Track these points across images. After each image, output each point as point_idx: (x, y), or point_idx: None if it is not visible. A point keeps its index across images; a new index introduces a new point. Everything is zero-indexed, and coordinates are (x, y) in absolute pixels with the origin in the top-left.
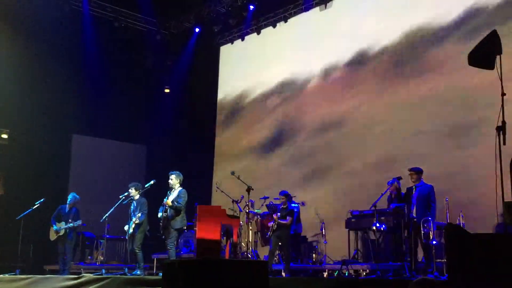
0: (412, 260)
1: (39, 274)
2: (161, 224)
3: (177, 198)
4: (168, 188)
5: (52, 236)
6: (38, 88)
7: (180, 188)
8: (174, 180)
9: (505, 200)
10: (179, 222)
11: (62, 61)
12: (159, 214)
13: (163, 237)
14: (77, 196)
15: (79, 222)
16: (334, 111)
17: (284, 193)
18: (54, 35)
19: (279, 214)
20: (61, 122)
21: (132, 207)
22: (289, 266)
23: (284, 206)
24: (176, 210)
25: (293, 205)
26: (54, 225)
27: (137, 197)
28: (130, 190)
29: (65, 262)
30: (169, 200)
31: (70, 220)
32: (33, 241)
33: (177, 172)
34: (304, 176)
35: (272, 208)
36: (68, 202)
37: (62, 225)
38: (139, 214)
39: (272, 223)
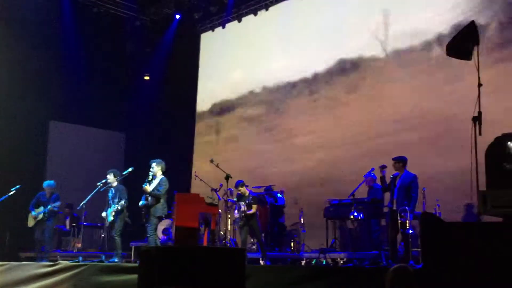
0: (391, 249)
1: (15, 261)
2: (143, 212)
3: (158, 186)
4: (147, 176)
5: (31, 223)
6: (15, 74)
7: (162, 176)
8: (155, 168)
9: (480, 190)
10: (160, 210)
11: (40, 46)
12: (141, 202)
13: (147, 224)
14: (52, 183)
15: (57, 204)
16: (318, 96)
17: (239, 182)
18: (32, 20)
19: (242, 207)
20: (38, 108)
21: (110, 194)
22: (265, 253)
23: (246, 195)
24: (156, 197)
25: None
26: (32, 211)
27: (115, 184)
28: (108, 177)
29: (44, 250)
30: (148, 187)
31: (50, 205)
32: (9, 228)
33: (158, 159)
34: (284, 162)
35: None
36: (45, 188)
37: (41, 209)
38: (122, 202)
39: (236, 213)
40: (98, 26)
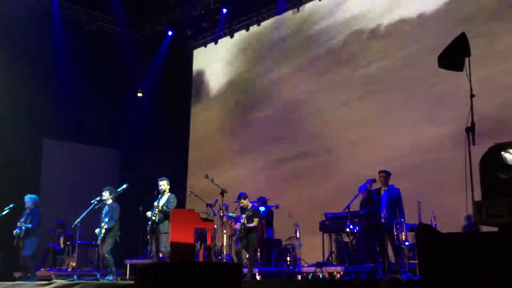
0: (384, 261)
1: (9, 281)
2: (148, 228)
3: (167, 203)
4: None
5: (15, 241)
6: (8, 91)
7: (169, 193)
8: (165, 185)
9: (475, 200)
10: (167, 226)
11: (33, 64)
12: (148, 213)
13: (150, 241)
14: (31, 197)
15: (32, 222)
16: (307, 111)
17: (242, 195)
18: (24, 38)
19: (243, 219)
20: (32, 126)
21: (104, 211)
22: (252, 270)
23: (248, 209)
24: (165, 214)
25: (261, 208)
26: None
27: (109, 201)
28: (103, 193)
29: (30, 270)
30: (160, 204)
31: (28, 221)
32: (2, 247)
33: (164, 177)
34: (278, 178)
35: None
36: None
37: (21, 225)
38: (107, 219)
39: (238, 224)
40: (91, 44)
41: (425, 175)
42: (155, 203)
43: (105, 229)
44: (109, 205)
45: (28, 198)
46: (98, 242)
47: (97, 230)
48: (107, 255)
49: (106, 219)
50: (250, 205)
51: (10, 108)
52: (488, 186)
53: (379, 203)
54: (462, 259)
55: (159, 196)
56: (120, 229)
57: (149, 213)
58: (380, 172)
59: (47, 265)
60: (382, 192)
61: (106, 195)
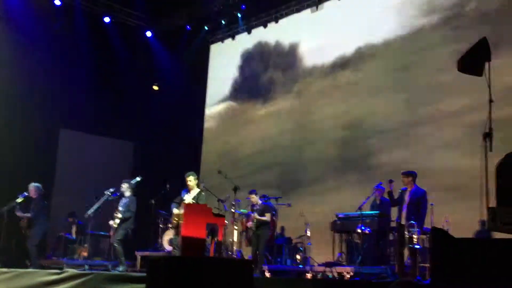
0: (398, 264)
1: (21, 268)
2: (175, 221)
3: (197, 199)
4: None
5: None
6: (26, 82)
7: (198, 190)
8: (193, 181)
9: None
10: None
11: (51, 55)
12: (175, 210)
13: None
14: (36, 185)
15: (28, 215)
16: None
17: (251, 192)
18: (44, 29)
19: (255, 213)
20: (49, 116)
21: (120, 203)
22: (261, 266)
23: (258, 204)
24: None
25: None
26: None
27: (127, 193)
28: (122, 185)
29: (33, 261)
30: (190, 200)
31: (30, 211)
32: (16, 235)
33: (193, 172)
34: (291, 176)
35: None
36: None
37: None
38: (127, 212)
39: (250, 223)
40: (110, 36)
41: (439, 179)
42: (183, 199)
43: (120, 219)
44: (127, 197)
45: (32, 187)
46: (111, 232)
47: (111, 222)
48: (116, 244)
49: (125, 212)
50: (259, 202)
51: (28, 98)
52: (503, 193)
53: (402, 205)
54: (476, 265)
55: (183, 191)
56: (133, 223)
57: (176, 210)
58: (401, 174)
59: (58, 254)
60: (407, 194)
61: (124, 187)
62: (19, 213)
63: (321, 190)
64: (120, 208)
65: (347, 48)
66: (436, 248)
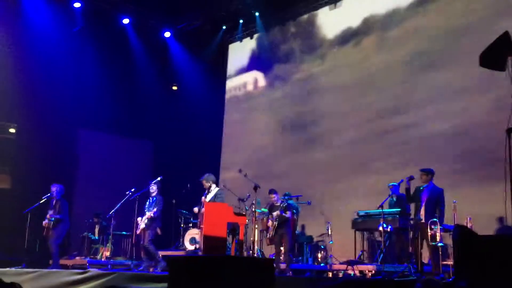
0: (418, 261)
1: (45, 268)
2: (198, 220)
3: (215, 198)
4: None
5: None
6: (45, 83)
7: (217, 188)
8: (206, 183)
9: None
10: None
11: (70, 56)
12: (195, 209)
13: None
14: (59, 186)
15: (57, 217)
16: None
17: (270, 191)
18: (64, 31)
19: (276, 212)
20: (68, 117)
21: (147, 202)
22: (288, 267)
23: (278, 203)
24: None
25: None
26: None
27: (154, 193)
28: (151, 186)
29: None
30: (208, 199)
31: (53, 212)
32: (39, 235)
33: (207, 173)
34: (311, 174)
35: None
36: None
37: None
38: (155, 209)
39: (273, 219)
40: (128, 37)
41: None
42: (203, 198)
43: (148, 218)
44: (155, 197)
45: (54, 188)
46: (138, 231)
47: (139, 219)
48: (147, 245)
49: (152, 208)
50: (277, 201)
51: (47, 99)
52: None
53: (419, 202)
54: (501, 263)
55: (205, 191)
56: (160, 221)
57: (196, 209)
58: (420, 170)
59: (82, 254)
60: (423, 191)
61: (153, 187)
62: (50, 214)
63: (343, 188)
64: (147, 209)
65: None
66: (460, 246)
